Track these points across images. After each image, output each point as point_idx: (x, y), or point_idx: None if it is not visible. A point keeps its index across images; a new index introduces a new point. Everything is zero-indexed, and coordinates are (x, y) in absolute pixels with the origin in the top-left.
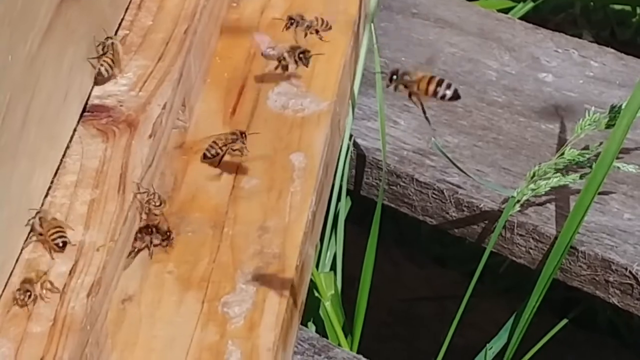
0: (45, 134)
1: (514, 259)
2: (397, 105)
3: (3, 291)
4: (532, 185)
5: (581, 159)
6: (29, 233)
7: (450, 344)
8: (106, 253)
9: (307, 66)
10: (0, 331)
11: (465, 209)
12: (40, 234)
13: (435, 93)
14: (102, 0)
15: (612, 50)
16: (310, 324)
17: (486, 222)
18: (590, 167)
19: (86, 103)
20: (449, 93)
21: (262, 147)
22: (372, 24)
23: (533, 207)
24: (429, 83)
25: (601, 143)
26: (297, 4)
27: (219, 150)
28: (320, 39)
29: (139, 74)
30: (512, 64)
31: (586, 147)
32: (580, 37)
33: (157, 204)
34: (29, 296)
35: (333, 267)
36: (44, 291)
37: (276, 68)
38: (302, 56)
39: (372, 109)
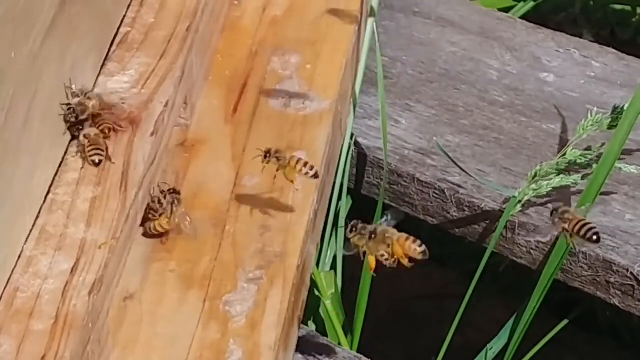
0: (48, 131)
1: (514, 259)
2: (399, 104)
3: (5, 289)
4: (533, 186)
5: (583, 159)
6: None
7: (450, 343)
8: (108, 251)
9: None
10: (2, 328)
11: (466, 208)
12: None
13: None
14: None
15: (614, 50)
16: (310, 322)
17: (487, 222)
18: (592, 167)
19: None
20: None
21: (263, 145)
22: (374, 23)
23: (534, 207)
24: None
25: (603, 144)
26: (299, 2)
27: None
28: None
29: (141, 72)
30: (513, 63)
31: (588, 148)
32: (580, 37)
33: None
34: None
35: (333, 266)
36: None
37: None
38: None
39: (374, 108)
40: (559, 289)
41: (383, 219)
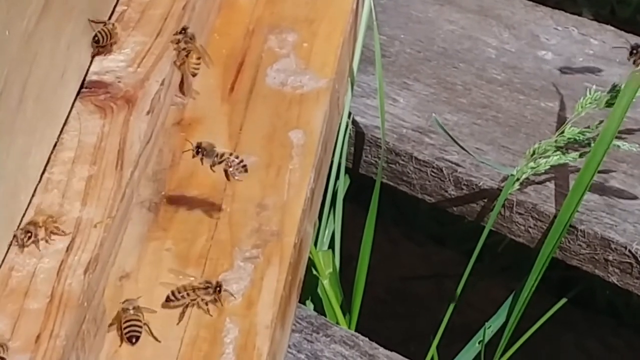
0: (43, 110)
1: (513, 237)
2: (396, 83)
3: (0, 267)
4: (531, 164)
5: (581, 137)
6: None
7: (448, 322)
8: (103, 230)
9: None
10: None
11: (464, 187)
12: None
13: None
14: None
15: (612, 27)
16: (308, 302)
17: (485, 200)
18: (590, 145)
19: (84, 79)
20: None
21: (260, 124)
22: (371, 1)
23: (532, 185)
24: None
25: (601, 121)
26: None
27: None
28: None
29: (137, 50)
30: (512, 41)
31: (586, 126)
32: (580, 15)
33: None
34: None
35: (331, 245)
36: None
37: None
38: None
39: (372, 86)
40: (557, 268)
41: None
